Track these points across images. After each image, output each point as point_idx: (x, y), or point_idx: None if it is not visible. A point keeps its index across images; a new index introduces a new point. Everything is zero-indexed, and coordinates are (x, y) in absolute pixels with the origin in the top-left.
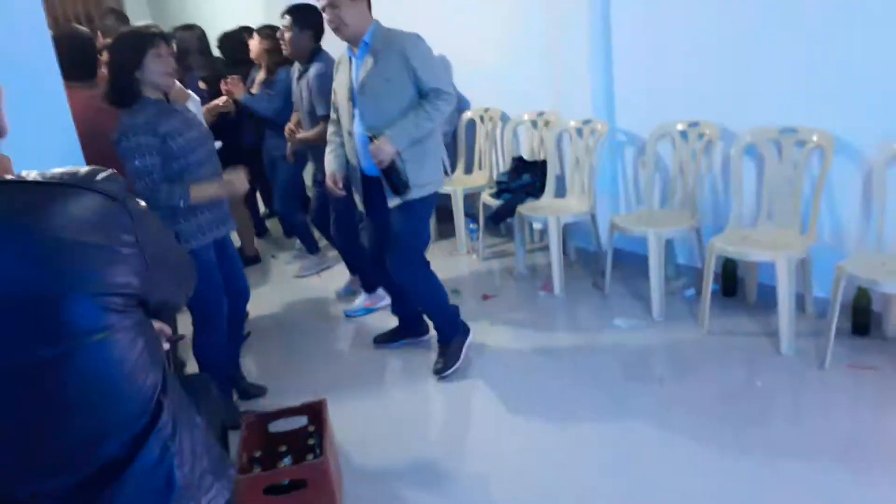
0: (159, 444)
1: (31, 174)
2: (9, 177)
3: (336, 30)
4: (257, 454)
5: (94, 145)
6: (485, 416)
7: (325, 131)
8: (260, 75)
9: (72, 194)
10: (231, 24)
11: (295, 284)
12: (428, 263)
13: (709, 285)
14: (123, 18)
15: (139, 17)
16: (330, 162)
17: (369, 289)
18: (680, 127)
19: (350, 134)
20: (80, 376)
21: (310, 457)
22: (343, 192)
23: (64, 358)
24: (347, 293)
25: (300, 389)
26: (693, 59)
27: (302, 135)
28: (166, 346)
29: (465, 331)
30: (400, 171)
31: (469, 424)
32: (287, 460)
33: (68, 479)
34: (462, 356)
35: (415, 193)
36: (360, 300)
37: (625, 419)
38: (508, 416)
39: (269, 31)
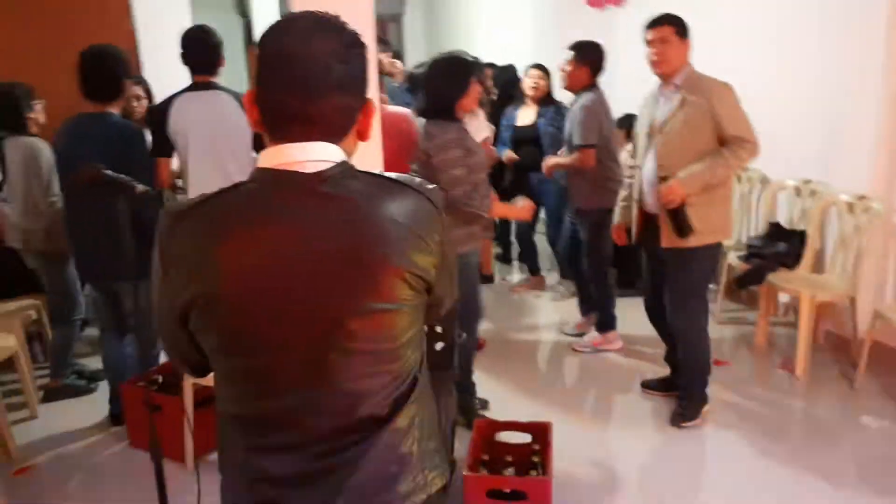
0: (409, 415)
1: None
2: (372, 170)
3: (655, 64)
4: (485, 457)
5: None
6: (696, 485)
7: (581, 160)
8: (526, 113)
9: (410, 192)
10: (499, 59)
11: (523, 305)
12: (706, 313)
13: None
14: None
15: (414, 48)
16: (619, 212)
17: (603, 328)
18: None
19: (639, 168)
20: (377, 331)
21: (533, 473)
22: (626, 242)
23: (372, 313)
24: (572, 334)
25: (521, 409)
26: None
27: (554, 160)
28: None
29: (706, 399)
30: (685, 214)
31: (677, 488)
32: (510, 470)
33: (336, 420)
34: (700, 418)
35: (693, 240)
36: (589, 337)
37: None
38: (723, 493)
39: (542, 71)
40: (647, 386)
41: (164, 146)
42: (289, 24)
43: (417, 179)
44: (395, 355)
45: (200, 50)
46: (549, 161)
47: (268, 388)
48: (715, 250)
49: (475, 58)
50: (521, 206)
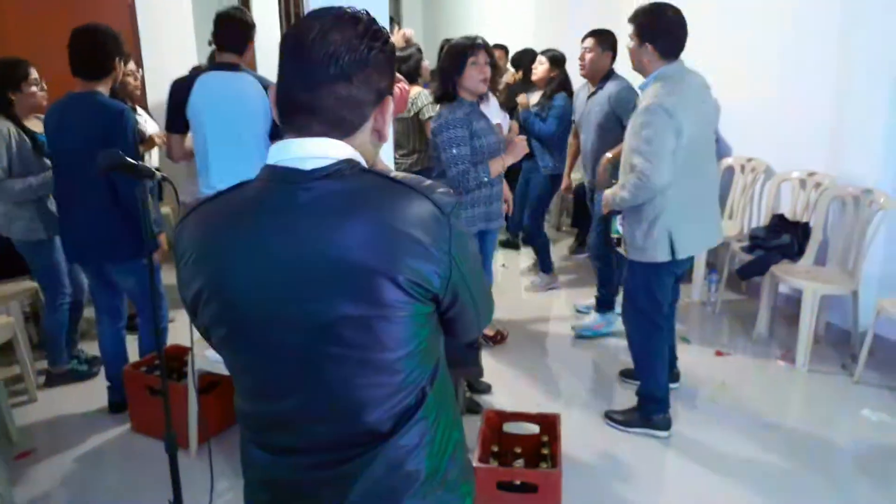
0: (419, 432)
1: (392, 173)
2: (378, 170)
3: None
4: (494, 448)
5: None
6: (699, 474)
7: None
8: (534, 98)
9: (414, 196)
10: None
11: (525, 294)
12: (654, 327)
13: None
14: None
15: (412, 24)
16: None
17: (602, 308)
18: None
19: None
20: (370, 339)
21: (543, 465)
22: None
23: (363, 319)
24: (585, 311)
25: (521, 397)
26: None
27: (612, 152)
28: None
29: (662, 425)
30: (610, 223)
31: (681, 477)
32: (520, 462)
33: (335, 429)
34: (635, 431)
35: (633, 254)
36: (591, 319)
37: None
38: (724, 482)
39: (555, 57)
40: (625, 375)
41: (179, 122)
42: (309, 17)
43: (426, 182)
44: (393, 367)
45: (234, 30)
46: (606, 157)
47: (268, 389)
48: (651, 270)
49: (474, 38)
50: (516, 145)
